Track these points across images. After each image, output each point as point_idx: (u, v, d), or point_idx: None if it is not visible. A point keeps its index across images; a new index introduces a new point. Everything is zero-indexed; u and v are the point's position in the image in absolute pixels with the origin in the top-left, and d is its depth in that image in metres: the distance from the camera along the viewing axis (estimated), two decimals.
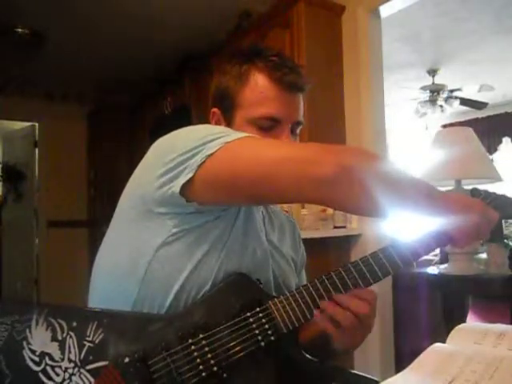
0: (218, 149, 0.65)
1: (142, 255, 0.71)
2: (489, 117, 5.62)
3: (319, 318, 0.69)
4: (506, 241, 2.22)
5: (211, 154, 0.65)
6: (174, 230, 0.70)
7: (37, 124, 4.56)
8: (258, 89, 0.81)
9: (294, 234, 0.97)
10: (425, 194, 0.69)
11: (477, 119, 5.65)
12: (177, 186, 0.66)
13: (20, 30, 3.15)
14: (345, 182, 0.62)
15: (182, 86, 3.63)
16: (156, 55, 3.61)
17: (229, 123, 0.84)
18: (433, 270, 2.14)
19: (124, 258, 0.73)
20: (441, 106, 4.78)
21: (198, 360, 0.64)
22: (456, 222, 0.70)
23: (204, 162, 0.65)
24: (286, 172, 0.63)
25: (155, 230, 0.71)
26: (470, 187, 0.91)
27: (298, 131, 0.86)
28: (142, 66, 3.81)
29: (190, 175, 0.66)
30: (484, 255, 2.07)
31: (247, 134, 0.70)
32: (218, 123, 0.87)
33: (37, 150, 4.57)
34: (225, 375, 0.64)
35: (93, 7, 2.88)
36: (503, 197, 0.86)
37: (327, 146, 0.66)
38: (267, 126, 0.81)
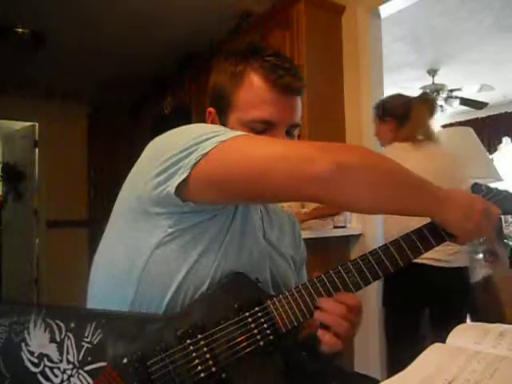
0: (213, 148, 0.65)
1: (139, 255, 0.71)
2: (489, 117, 5.62)
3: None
4: (505, 241, 2.22)
5: (206, 153, 0.65)
6: (170, 230, 0.70)
7: (37, 124, 4.56)
8: (253, 91, 0.80)
9: (294, 232, 0.97)
10: (425, 190, 0.69)
11: (477, 119, 5.65)
12: (172, 186, 0.66)
13: (20, 30, 3.15)
14: (341, 179, 0.62)
15: (181, 86, 3.63)
16: (156, 55, 3.61)
17: (223, 123, 0.83)
18: None
19: (121, 259, 0.72)
20: (441, 106, 4.78)
21: (197, 360, 0.64)
22: (457, 218, 0.70)
23: (199, 161, 0.65)
24: (281, 170, 0.63)
25: (151, 230, 0.70)
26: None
27: (295, 133, 0.85)
28: (141, 65, 3.81)
29: (185, 175, 0.65)
30: None
31: (242, 133, 0.70)
32: (213, 123, 0.86)
33: (37, 150, 4.57)
34: (223, 375, 0.64)
35: (93, 7, 2.88)
36: (505, 192, 0.86)
37: (323, 143, 0.66)
38: (260, 129, 0.79)
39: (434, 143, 1.87)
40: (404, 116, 1.87)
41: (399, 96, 1.97)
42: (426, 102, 1.90)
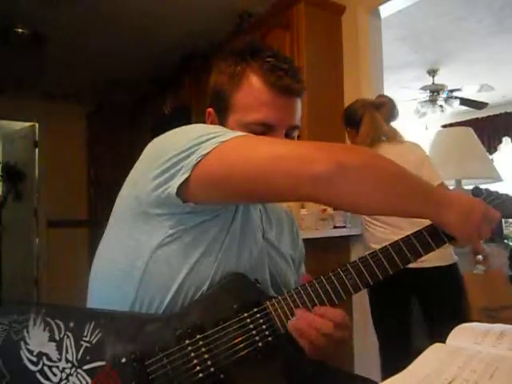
0: (213, 148, 0.65)
1: (139, 256, 0.70)
2: (489, 117, 5.62)
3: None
4: (505, 241, 2.22)
5: (206, 154, 0.65)
6: (171, 231, 0.70)
7: (37, 124, 4.56)
8: (252, 92, 0.79)
9: (292, 229, 0.97)
10: (425, 192, 0.69)
11: (477, 119, 5.65)
12: (173, 187, 0.66)
13: (20, 30, 3.15)
14: (340, 179, 0.62)
15: (181, 86, 3.63)
16: (156, 55, 3.61)
17: (222, 124, 0.83)
18: None
19: (121, 260, 0.72)
20: (441, 106, 4.78)
21: (195, 361, 0.64)
22: (457, 221, 0.70)
23: (199, 161, 0.65)
24: (281, 170, 0.63)
25: (152, 231, 0.70)
26: (470, 187, 0.91)
27: (294, 134, 0.84)
28: (141, 65, 3.81)
29: (186, 176, 0.65)
30: None
31: (242, 133, 0.70)
32: (213, 123, 0.86)
33: (37, 150, 4.57)
34: (222, 376, 0.64)
35: (92, 8, 2.89)
36: (505, 196, 0.86)
37: (322, 143, 0.66)
38: (259, 131, 0.78)
39: (399, 144, 1.86)
40: (359, 122, 1.89)
41: (355, 103, 1.98)
42: (381, 106, 1.91)
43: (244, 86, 0.80)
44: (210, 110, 0.86)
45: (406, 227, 1.72)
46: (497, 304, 1.81)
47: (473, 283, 1.82)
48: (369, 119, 1.87)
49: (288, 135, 0.82)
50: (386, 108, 1.91)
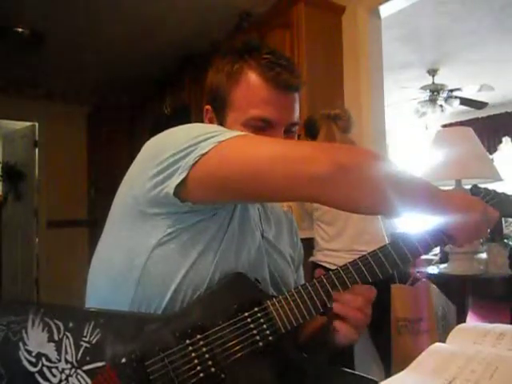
0: (212, 148, 0.64)
1: (137, 256, 0.70)
2: (489, 117, 5.62)
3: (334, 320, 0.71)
4: (505, 241, 2.22)
5: (204, 154, 0.64)
6: (169, 230, 0.69)
7: (37, 124, 4.56)
8: (250, 89, 0.79)
9: (292, 230, 0.97)
10: (424, 192, 0.69)
11: (477, 119, 5.65)
12: (170, 187, 0.65)
13: (20, 29, 3.15)
14: (340, 179, 0.62)
15: (181, 87, 3.63)
16: (156, 55, 3.61)
17: (221, 122, 0.83)
18: (433, 269, 2.14)
19: (119, 260, 0.72)
20: (441, 106, 4.78)
21: (196, 361, 0.63)
22: (456, 220, 0.70)
23: (197, 161, 0.64)
24: (280, 170, 0.63)
25: (149, 231, 0.70)
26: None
27: (293, 130, 0.84)
28: (141, 66, 3.81)
29: (183, 175, 0.65)
30: (484, 255, 2.07)
31: (241, 133, 0.69)
32: (211, 121, 0.86)
33: (37, 150, 4.57)
34: (223, 376, 0.64)
35: (93, 7, 2.89)
36: (503, 195, 0.86)
37: (322, 143, 0.66)
38: (259, 128, 0.78)
39: None
40: (316, 133, 1.94)
41: (316, 115, 2.02)
42: (338, 118, 1.95)
43: (242, 84, 0.80)
44: (208, 107, 0.86)
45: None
46: (415, 316, 1.88)
47: (397, 295, 1.90)
48: (325, 131, 1.93)
49: (287, 132, 0.82)
50: (342, 120, 1.97)
